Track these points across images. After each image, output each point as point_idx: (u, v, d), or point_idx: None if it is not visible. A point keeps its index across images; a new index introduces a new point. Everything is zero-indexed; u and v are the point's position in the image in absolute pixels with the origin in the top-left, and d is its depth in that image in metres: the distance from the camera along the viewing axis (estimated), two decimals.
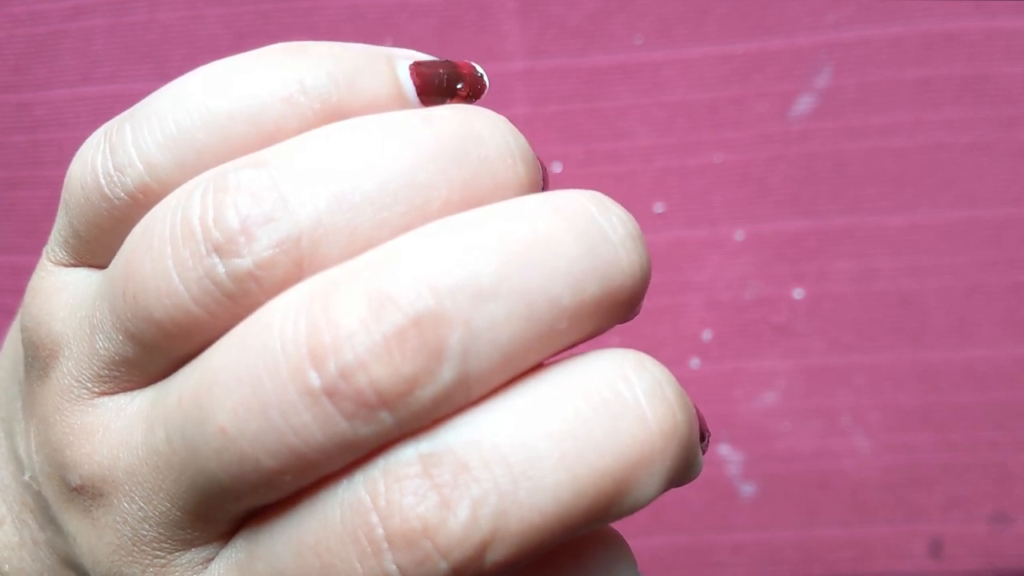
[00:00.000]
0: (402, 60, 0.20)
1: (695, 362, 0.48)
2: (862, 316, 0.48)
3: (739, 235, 0.48)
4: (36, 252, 0.47)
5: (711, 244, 0.48)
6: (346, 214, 0.17)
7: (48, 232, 0.47)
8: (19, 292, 0.47)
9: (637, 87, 0.47)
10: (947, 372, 0.48)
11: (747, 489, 0.47)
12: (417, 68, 0.20)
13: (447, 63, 0.20)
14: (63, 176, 0.46)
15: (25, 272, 0.47)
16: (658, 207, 0.48)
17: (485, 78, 0.21)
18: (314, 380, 0.16)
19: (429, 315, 0.16)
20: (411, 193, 0.18)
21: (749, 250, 0.48)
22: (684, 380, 0.47)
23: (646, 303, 0.48)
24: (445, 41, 0.47)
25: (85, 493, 0.20)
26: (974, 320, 0.48)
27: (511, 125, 0.19)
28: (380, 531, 0.17)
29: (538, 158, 0.20)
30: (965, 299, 0.48)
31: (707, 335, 0.48)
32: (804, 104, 0.48)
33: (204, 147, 0.18)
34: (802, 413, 0.48)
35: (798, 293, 0.48)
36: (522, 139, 0.19)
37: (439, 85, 0.20)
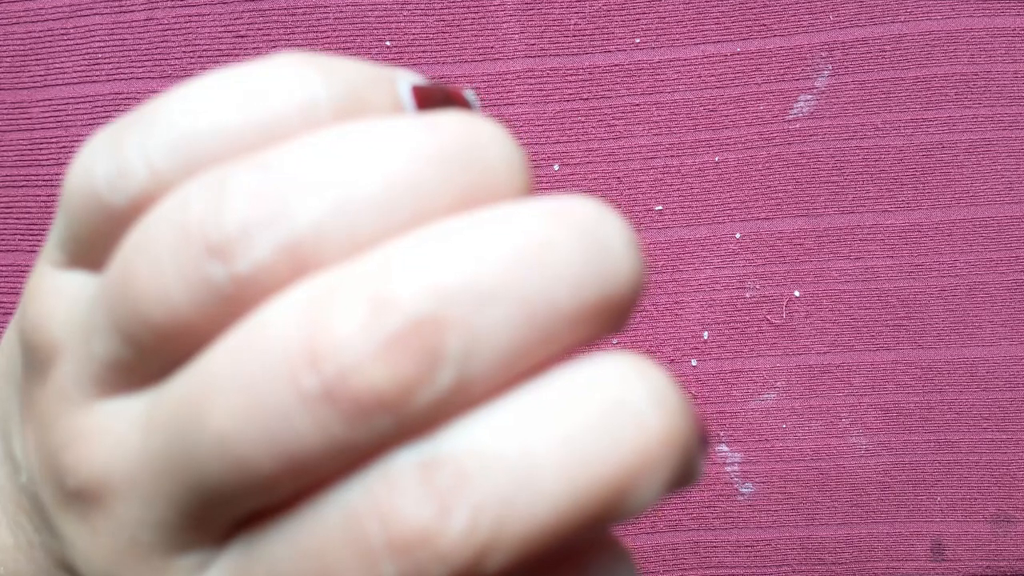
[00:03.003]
0: (402, 81, 0.20)
1: (694, 362, 0.48)
2: (862, 316, 0.48)
3: (738, 235, 0.48)
4: (34, 251, 0.47)
5: (711, 244, 0.48)
6: (347, 217, 0.17)
7: (46, 231, 0.47)
8: (18, 291, 0.47)
9: (636, 87, 0.47)
10: (947, 372, 0.48)
11: (746, 489, 0.47)
12: (417, 91, 0.20)
13: (442, 89, 0.20)
14: (61, 175, 0.46)
15: (24, 271, 0.47)
16: (658, 207, 0.47)
17: (476, 105, 0.21)
18: (312, 383, 0.16)
19: (428, 318, 0.16)
20: (413, 197, 0.17)
21: (748, 250, 0.48)
22: (684, 380, 0.47)
23: (646, 303, 0.48)
24: (445, 41, 0.47)
25: (82, 497, 0.20)
26: (974, 320, 0.48)
27: (509, 133, 0.19)
28: (378, 537, 0.17)
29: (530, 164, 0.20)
30: (965, 299, 0.48)
31: (706, 335, 0.48)
32: (804, 104, 0.47)
33: (211, 154, 0.18)
34: (801, 413, 0.47)
35: (797, 293, 0.47)
36: (519, 148, 0.19)
37: (437, 107, 0.20)
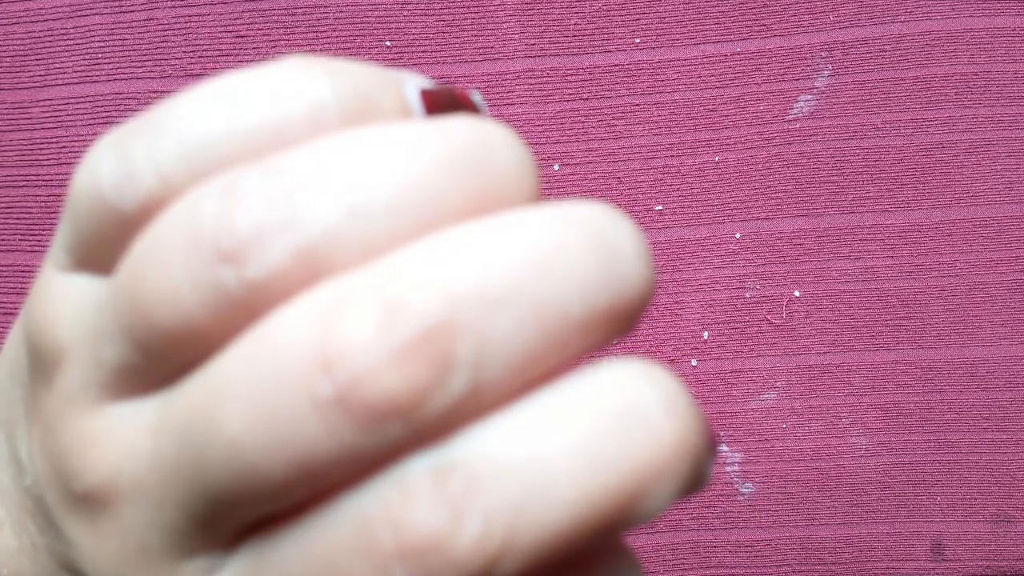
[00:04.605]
0: (410, 84, 0.20)
1: (694, 362, 0.48)
2: (862, 316, 0.48)
3: (738, 235, 0.48)
4: (35, 251, 0.47)
5: (711, 244, 0.48)
6: (359, 222, 0.17)
7: (46, 231, 0.46)
8: (18, 291, 0.47)
9: (636, 87, 0.47)
10: (947, 372, 0.48)
11: (746, 489, 0.47)
12: (426, 94, 0.20)
13: (451, 92, 0.20)
14: (62, 175, 0.46)
15: (23, 271, 0.46)
16: (658, 207, 0.47)
17: (483, 108, 0.21)
18: (325, 389, 0.16)
19: (441, 324, 0.16)
20: (425, 202, 0.17)
21: (748, 250, 0.48)
22: (684, 380, 0.47)
23: None
24: (445, 41, 0.47)
25: (90, 501, 0.19)
26: (974, 320, 0.48)
27: (517, 137, 0.19)
28: (390, 544, 0.17)
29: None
30: (965, 299, 0.48)
31: (706, 335, 0.48)
32: (804, 104, 0.47)
33: (220, 159, 0.18)
34: (801, 413, 0.48)
35: (797, 293, 0.47)
36: (528, 151, 0.19)
37: (444, 110, 0.20)
